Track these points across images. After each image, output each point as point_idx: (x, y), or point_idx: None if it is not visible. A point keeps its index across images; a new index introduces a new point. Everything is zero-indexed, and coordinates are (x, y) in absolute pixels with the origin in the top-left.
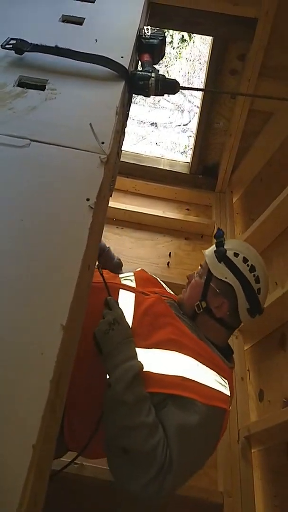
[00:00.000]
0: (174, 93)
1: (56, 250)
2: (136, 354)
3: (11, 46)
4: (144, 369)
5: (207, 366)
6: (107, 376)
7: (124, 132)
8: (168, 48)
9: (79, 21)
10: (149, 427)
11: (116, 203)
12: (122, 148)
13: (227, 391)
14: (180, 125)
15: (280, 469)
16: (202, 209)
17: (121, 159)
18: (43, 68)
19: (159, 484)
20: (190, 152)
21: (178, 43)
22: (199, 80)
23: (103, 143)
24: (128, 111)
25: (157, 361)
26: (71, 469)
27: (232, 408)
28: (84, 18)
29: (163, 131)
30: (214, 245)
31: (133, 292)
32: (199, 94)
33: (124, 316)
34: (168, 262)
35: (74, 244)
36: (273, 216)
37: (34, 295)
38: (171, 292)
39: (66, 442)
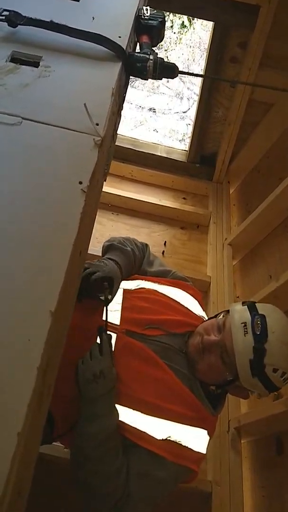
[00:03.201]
0: (173, 77)
1: (47, 235)
2: (115, 408)
3: (3, 17)
4: (121, 419)
5: (188, 425)
6: (81, 415)
7: (120, 115)
8: (168, 33)
9: None
10: (111, 474)
11: (111, 188)
12: (119, 132)
13: (203, 446)
14: (178, 112)
15: (268, 460)
16: (198, 199)
17: (117, 144)
18: (37, 44)
19: (126, 504)
20: (188, 141)
21: (178, 29)
22: (199, 68)
23: (97, 124)
24: (125, 93)
25: (136, 420)
26: (62, 453)
27: None
28: None
29: (162, 117)
30: (252, 352)
31: (115, 332)
32: (199, 81)
33: (112, 365)
34: (163, 251)
35: (65, 228)
36: (270, 208)
37: (22, 281)
38: (193, 310)
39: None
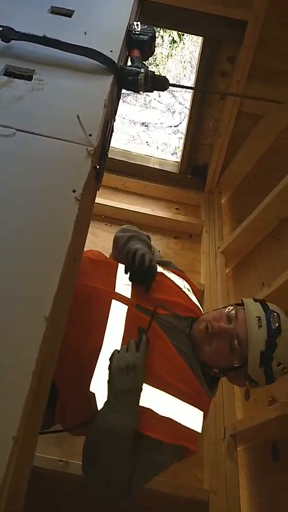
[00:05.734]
0: (163, 90)
1: (41, 242)
2: (137, 410)
3: None
4: None
5: (187, 403)
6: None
7: (113, 128)
8: (158, 49)
9: (68, 13)
10: (124, 464)
11: (105, 200)
12: (112, 145)
13: (199, 426)
14: (171, 126)
15: (264, 467)
16: (191, 209)
17: (111, 156)
18: (31, 58)
19: (128, 492)
20: (180, 153)
21: (169, 44)
22: (190, 83)
23: (90, 135)
24: (117, 106)
25: (146, 395)
26: (56, 466)
27: (218, 406)
28: (74, 11)
29: (154, 132)
30: (265, 344)
31: (126, 304)
32: (190, 96)
33: (144, 365)
34: None
35: (59, 236)
36: (261, 217)
37: (17, 286)
38: (192, 299)
39: (54, 417)
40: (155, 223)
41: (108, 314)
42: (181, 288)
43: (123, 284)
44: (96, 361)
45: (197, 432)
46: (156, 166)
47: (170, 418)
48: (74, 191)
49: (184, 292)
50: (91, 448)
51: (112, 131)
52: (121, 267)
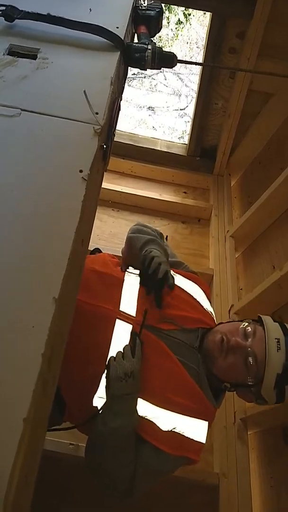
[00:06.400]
0: (171, 67)
1: (49, 222)
2: (136, 409)
3: (0, 12)
4: None
5: (192, 417)
6: (104, 408)
7: (120, 107)
8: (164, 30)
9: None
10: (125, 464)
11: (112, 184)
12: (118, 128)
13: (203, 437)
14: (177, 110)
15: (275, 450)
16: (199, 192)
17: (117, 140)
18: (35, 36)
19: (130, 493)
20: (187, 138)
21: (175, 25)
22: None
23: (97, 113)
24: (124, 84)
25: (145, 410)
26: (66, 449)
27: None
28: None
29: (161, 116)
30: (282, 368)
31: (130, 323)
32: (197, 78)
33: (140, 369)
34: None
35: (67, 216)
36: (272, 198)
37: (25, 268)
38: (204, 306)
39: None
40: (162, 208)
41: (112, 335)
42: (192, 296)
43: (128, 299)
44: (99, 384)
45: (201, 443)
46: (164, 149)
47: (174, 432)
48: (81, 171)
49: (196, 300)
50: (93, 450)
51: (119, 110)
52: (128, 280)
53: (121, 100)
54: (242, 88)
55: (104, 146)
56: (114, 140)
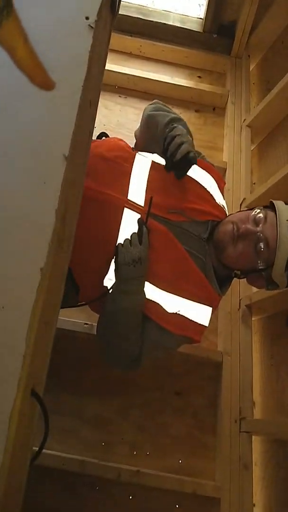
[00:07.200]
0: None
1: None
2: (144, 290)
3: None
4: None
5: (196, 302)
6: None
7: None
8: None
9: None
10: (133, 338)
11: (118, 66)
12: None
13: (206, 320)
14: None
15: (277, 333)
16: (215, 77)
17: (123, 13)
18: None
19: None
20: (204, 8)
21: None
22: None
23: None
24: None
25: (152, 294)
26: (81, 328)
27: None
28: None
29: None
30: None
31: (139, 213)
32: None
33: (147, 256)
34: None
35: (73, 70)
36: None
37: (34, 126)
38: (217, 200)
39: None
40: (175, 95)
41: (120, 223)
42: (205, 189)
43: (137, 188)
44: (108, 268)
45: (204, 325)
46: (177, 24)
47: (178, 314)
48: (87, 18)
49: (209, 192)
50: (105, 327)
51: None
52: (137, 164)
53: None
54: None
55: None
56: (120, 13)
